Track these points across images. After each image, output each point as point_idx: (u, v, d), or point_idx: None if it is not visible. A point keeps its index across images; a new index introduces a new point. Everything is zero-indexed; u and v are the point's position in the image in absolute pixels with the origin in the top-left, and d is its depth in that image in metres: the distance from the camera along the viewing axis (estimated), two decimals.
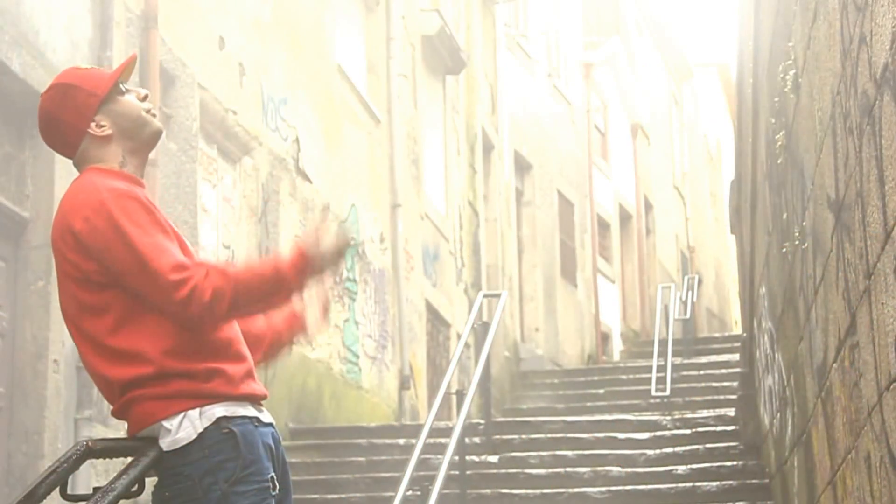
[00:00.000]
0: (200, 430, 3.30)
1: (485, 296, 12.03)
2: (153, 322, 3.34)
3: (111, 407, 3.45)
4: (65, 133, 3.54)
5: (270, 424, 3.45)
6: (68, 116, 3.51)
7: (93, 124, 3.51)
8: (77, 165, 3.57)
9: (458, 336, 14.89)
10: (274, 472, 3.40)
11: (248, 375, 3.45)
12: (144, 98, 3.59)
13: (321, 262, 3.42)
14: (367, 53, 14.30)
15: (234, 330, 3.47)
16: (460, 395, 9.80)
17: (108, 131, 3.51)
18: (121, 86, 3.57)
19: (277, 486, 3.39)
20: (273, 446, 3.43)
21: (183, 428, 3.30)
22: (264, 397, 3.48)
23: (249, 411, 3.39)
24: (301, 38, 12.14)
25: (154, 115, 3.60)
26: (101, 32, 8.43)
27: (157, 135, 3.62)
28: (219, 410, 3.33)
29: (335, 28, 13.17)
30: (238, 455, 3.31)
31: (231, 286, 3.32)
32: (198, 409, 3.32)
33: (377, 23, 14.49)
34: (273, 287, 3.37)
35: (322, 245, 3.42)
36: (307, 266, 3.40)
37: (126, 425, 3.44)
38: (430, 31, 15.58)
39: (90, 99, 3.50)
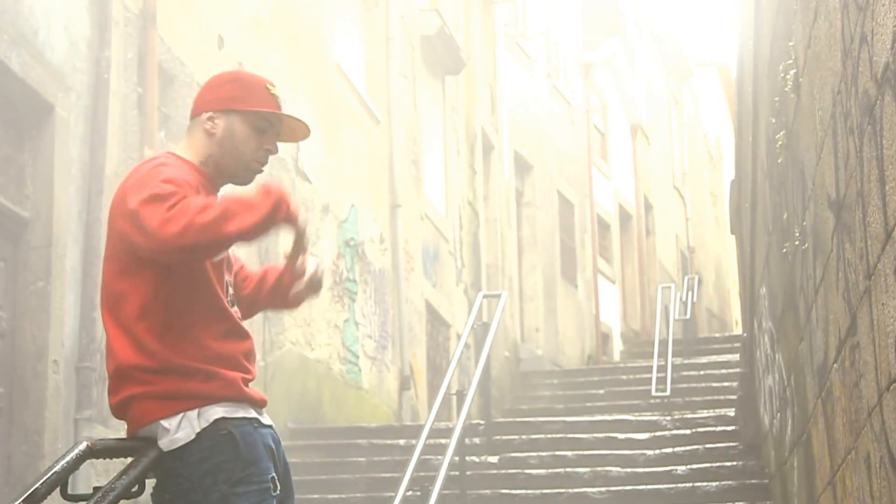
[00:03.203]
0: (198, 430, 3.31)
1: (485, 296, 12.03)
2: (169, 319, 3.36)
3: (111, 402, 3.45)
4: (198, 99, 3.61)
5: (270, 426, 3.45)
6: (209, 92, 3.59)
7: (207, 115, 3.54)
8: (184, 135, 3.64)
9: (458, 336, 14.88)
10: (276, 472, 3.40)
11: (247, 384, 3.45)
12: (268, 152, 3.58)
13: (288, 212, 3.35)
14: (367, 53, 14.30)
15: (244, 346, 3.47)
16: (460, 395, 9.80)
17: (213, 132, 3.54)
18: (271, 126, 3.57)
19: (279, 487, 3.39)
20: (274, 447, 3.43)
21: (181, 428, 3.31)
22: (264, 403, 3.48)
23: (249, 413, 3.39)
24: (300, 37, 12.14)
25: (257, 169, 3.59)
26: (99, 31, 8.42)
27: (240, 182, 3.63)
28: (217, 411, 3.33)
29: (334, 28, 13.16)
30: (237, 456, 3.31)
31: (214, 213, 3.25)
32: (196, 410, 3.32)
33: (376, 22, 14.48)
34: (241, 205, 3.28)
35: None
36: (277, 201, 3.31)
37: (125, 425, 3.45)
38: (430, 30, 15.57)
39: (227, 100, 3.55)
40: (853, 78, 3.59)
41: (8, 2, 7.53)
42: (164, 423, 3.31)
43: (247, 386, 3.43)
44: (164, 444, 3.31)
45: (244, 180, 3.61)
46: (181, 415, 3.31)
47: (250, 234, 3.30)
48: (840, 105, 3.86)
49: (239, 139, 3.53)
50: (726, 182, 16.84)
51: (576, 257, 21.58)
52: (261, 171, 3.61)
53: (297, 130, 3.67)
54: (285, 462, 3.50)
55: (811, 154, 4.66)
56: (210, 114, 3.54)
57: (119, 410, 3.41)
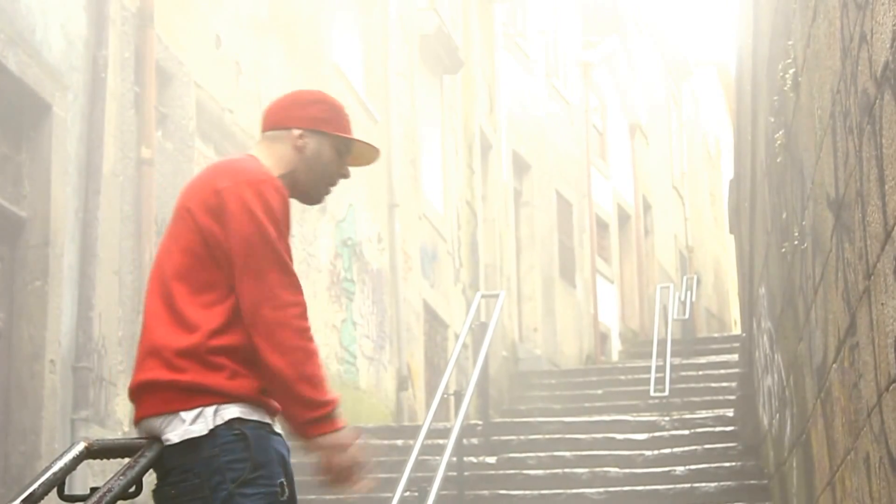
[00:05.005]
0: (212, 426, 3.32)
1: (483, 296, 12.02)
2: (226, 303, 3.37)
3: (133, 381, 3.43)
4: (285, 111, 3.64)
5: (280, 434, 3.47)
6: (298, 109, 3.63)
7: (299, 131, 3.60)
8: (260, 142, 3.65)
9: (456, 336, 14.87)
10: (285, 479, 3.41)
11: (264, 391, 3.45)
12: (342, 176, 3.72)
13: (344, 457, 3.48)
14: (365, 52, 14.28)
15: None
16: (458, 395, 9.80)
17: (303, 148, 3.61)
18: (347, 151, 3.70)
19: (286, 493, 3.40)
20: (285, 455, 3.45)
21: (197, 423, 3.32)
22: (278, 411, 3.49)
23: (264, 418, 3.42)
24: (298, 36, 12.12)
25: (329, 192, 3.72)
26: (96, 30, 8.41)
27: (309, 201, 3.72)
28: (234, 411, 3.35)
29: (332, 27, 13.15)
30: (248, 457, 3.33)
31: (312, 348, 3.39)
32: (214, 407, 3.34)
33: (374, 22, 14.47)
34: (309, 400, 3.41)
35: (349, 457, 3.50)
36: (337, 438, 3.47)
37: (128, 419, 3.44)
38: (428, 30, 15.56)
39: (319, 121, 3.62)
40: (852, 77, 3.58)
41: (5, 1, 7.51)
42: (183, 414, 3.32)
43: (264, 393, 3.44)
44: (177, 434, 3.31)
45: (315, 200, 3.72)
46: (199, 409, 3.33)
47: (304, 390, 3.40)
48: (839, 104, 3.85)
49: (325, 161, 3.63)
50: (725, 182, 16.84)
51: (574, 257, 21.57)
52: (329, 194, 3.73)
53: (365, 155, 3.81)
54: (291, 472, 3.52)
55: (810, 153, 4.65)
56: (301, 131, 3.59)
57: (137, 393, 3.41)
